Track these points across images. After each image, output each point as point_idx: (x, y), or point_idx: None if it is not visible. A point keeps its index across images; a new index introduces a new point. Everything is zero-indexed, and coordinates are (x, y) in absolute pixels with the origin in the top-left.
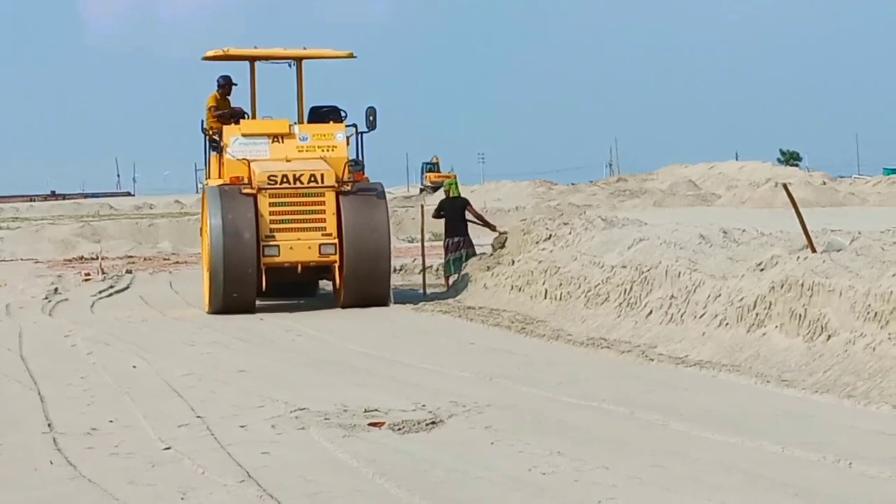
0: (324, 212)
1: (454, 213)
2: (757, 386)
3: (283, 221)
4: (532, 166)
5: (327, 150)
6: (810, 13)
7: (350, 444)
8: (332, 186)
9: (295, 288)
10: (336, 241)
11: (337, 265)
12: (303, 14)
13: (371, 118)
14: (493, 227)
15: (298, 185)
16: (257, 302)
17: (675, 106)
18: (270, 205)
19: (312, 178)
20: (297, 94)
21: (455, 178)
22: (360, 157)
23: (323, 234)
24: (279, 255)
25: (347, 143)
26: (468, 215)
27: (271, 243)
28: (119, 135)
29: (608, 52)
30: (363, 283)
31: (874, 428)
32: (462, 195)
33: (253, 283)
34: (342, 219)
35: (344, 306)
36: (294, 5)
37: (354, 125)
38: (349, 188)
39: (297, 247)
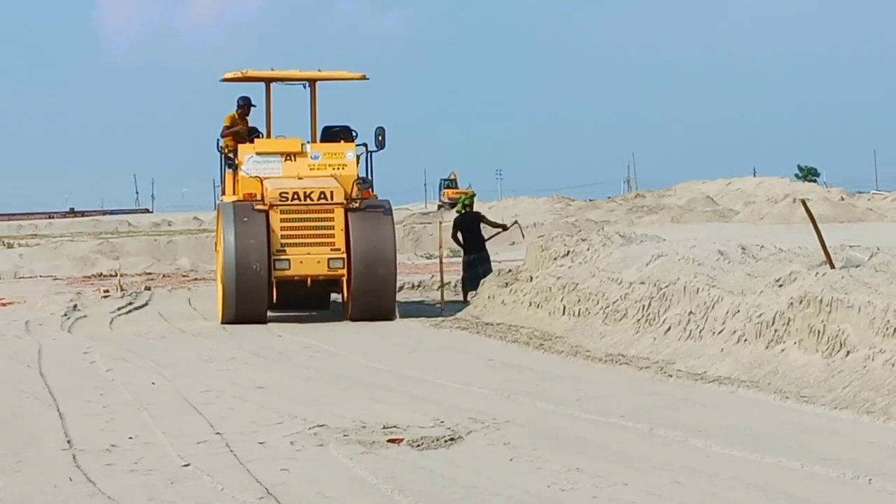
0: (333, 227)
1: (469, 229)
2: (776, 402)
3: (293, 236)
4: (550, 182)
5: (338, 169)
6: (828, 29)
7: (369, 461)
8: (341, 203)
9: (308, 301)
10: (344, 255)
11: (345, 279)
12: (318, 29)
13: (380, 138)
14: (505, 227)
15: (309, 201)
16: (272, 314)
17: (693, 122)
18: (282, 220)
19: (322, 196)
20: (311, 114)
21: (473, 193)
22: (370, 176)
23: (332, 249)
24: (290, 269)
25: (357, 162)
26: (487, 229)
27: (282, 257)
28: (137, 152)
29: (625, 68)
30: (370, 296)
31: (894, 444)
32: (471, 212)
33: (264, 295)
34: (350, 234)
35: (351, 319)
36: (310, 20)
37: (364, 144)
38: (357, 205)
39: (306, 261)
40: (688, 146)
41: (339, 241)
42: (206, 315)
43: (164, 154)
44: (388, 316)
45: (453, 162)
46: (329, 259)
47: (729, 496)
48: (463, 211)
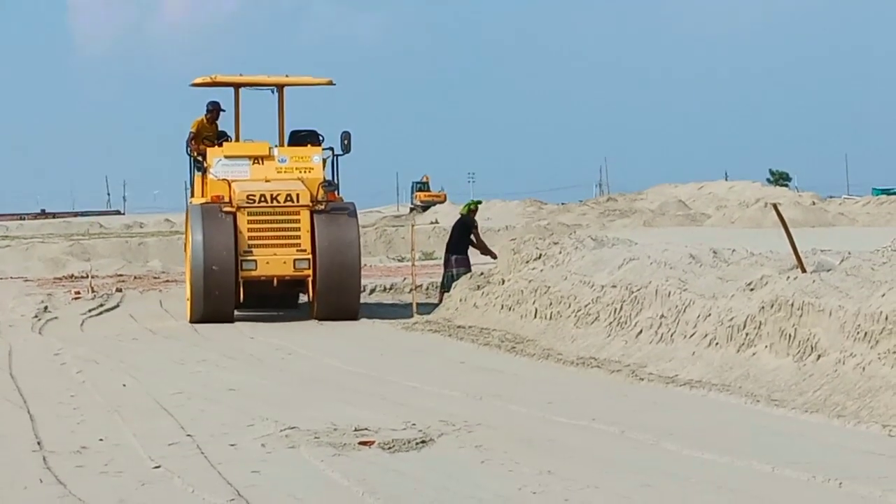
0: (299, 229)
1: (456, 230)
2: (746, 405)
3: (260, 237)
4: (522, 186)
5: (304, 172)
6: (800, 34)
7: (340, 463)
8: (307, 205)
9: (276, 300)
10: (310, 256)
11: (310, 279)
12: (292, 34)
13: (346, 142)
14: (493, 255)
15: (275, 203)
16: (243, 315)
17: (665, 126)
18: (249, 222)
19: (288, 198)
20: (279, 119)
21: (479, 202)
22: (336, 179)
23: (297, 250)
24: (256, 269)
25: (324, 166)
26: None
27: (249, 258)
28: (109, 153)
29: (598, 72)
30: (335, 296)
31: (864, 447)
32: (467, 216)
33: (231, 294)
34: (315, 236)
35: (317, 318)
36: (284, 25)
37: (331, 148)
38: (323, 207)
39: (273, 261)
40: (660, 150)
41: (305, 243)
42: (177, 317)
43: (136, 156)
44: (352, 315)
45: (426, 165)
46: (295, 260)
47: (700, 499)
48: (465, 213)
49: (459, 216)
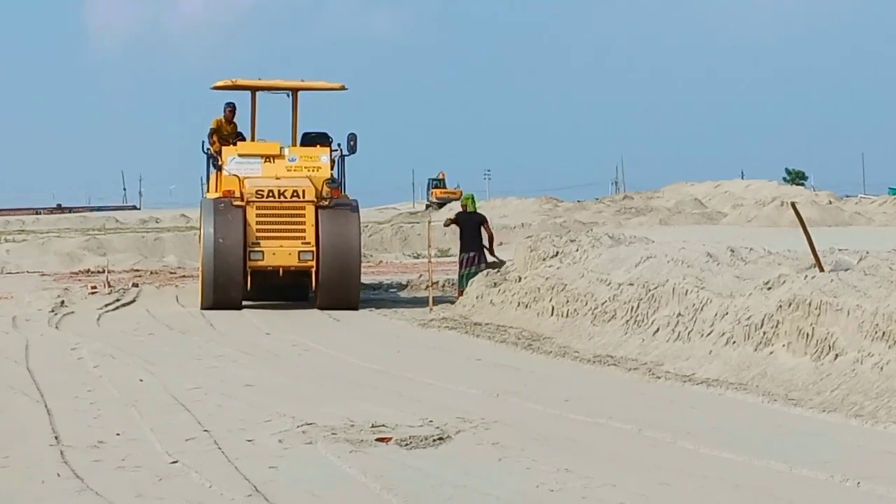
0: (304, 223)
1: (470, 227)
2: (764, 404)
3: (267, 230)
4: (538, 183)
5: (312, 170)
6: (816, 34)
7: (357, 459)
8: (312, 201)
9: (288, 291)
10: (314, 248)
11: (314, 270)
12: (308, 29)
13: (351, 143)
14: (492, 253)
15: (282, 199)
16: (255, 304)
17: (682, 124)
18: (257, 216)
19: (295, 194)
20: (292, 120)
21: (472, 195)
22: (342, 178)
23: (302, 243)
24: (263, 259)
25: (332, 165)
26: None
27: (256, 249)
28: (125, 148)
29: (615, 70)
30: (336, 286)
31: (882, 447)
32: (475, 211)
33: (240, 282)
34: (319, 230)
35: (319, 308)
36: (300, 21)
37: (339, 148)
38: (327, 203)
39: (279, 252)
40: (676, 148)
41: (310, 236)
42: (192, 313)
43: (152, 151)
44: (352, 305)
45: (442, 162)
46: (299, 252)
47: (717, 498)
48: (473, 208)
49: (467, 212)
